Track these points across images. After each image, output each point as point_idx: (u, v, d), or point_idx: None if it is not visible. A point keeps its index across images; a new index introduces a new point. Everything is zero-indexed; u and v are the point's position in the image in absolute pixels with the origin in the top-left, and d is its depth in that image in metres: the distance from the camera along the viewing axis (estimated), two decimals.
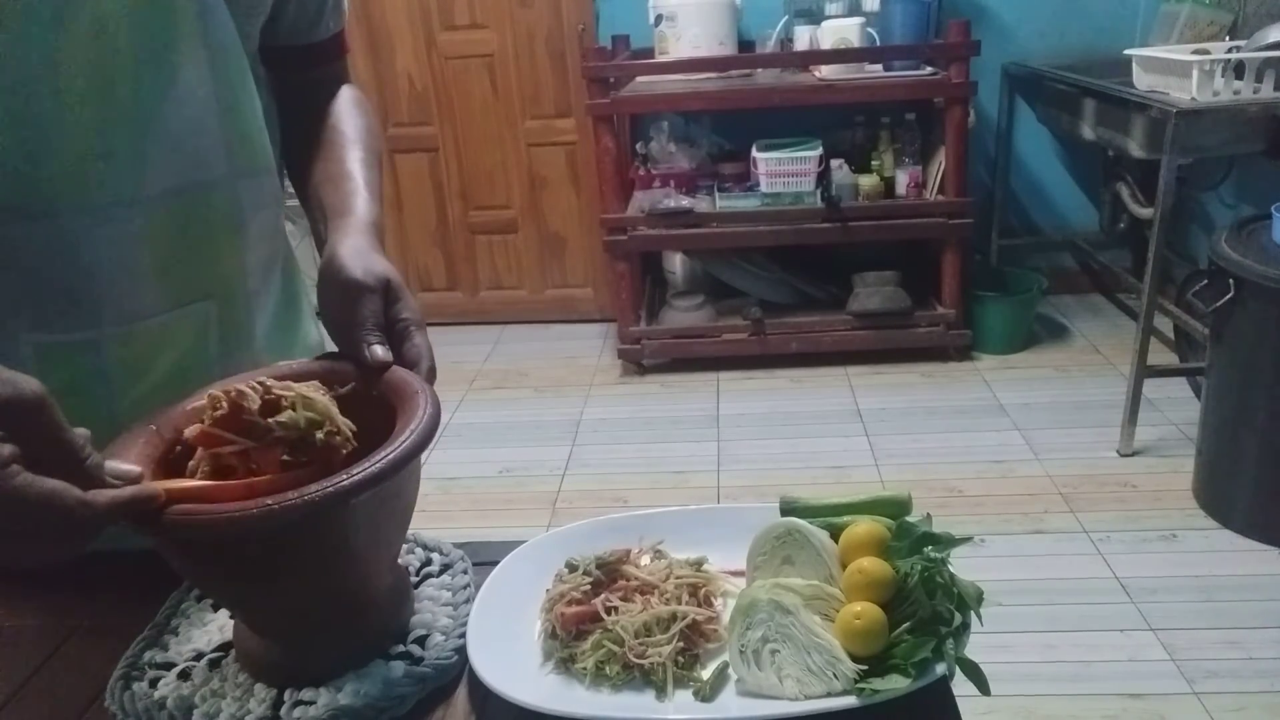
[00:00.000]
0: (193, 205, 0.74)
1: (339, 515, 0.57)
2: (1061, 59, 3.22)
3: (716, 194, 3.18)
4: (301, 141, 0.88)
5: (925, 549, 0.63)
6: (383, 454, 0.57)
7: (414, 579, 0.73)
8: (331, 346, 0.72)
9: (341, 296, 0.68)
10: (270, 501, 0.53)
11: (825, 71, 3.10)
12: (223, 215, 0.77)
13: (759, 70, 3.25)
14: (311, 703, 0.60)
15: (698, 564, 0.72)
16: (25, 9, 0.64)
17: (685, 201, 3.15)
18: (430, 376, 0.67)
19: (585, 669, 0.64)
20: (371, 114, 0.93)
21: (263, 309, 0.86)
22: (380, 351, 0.66)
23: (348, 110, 0.90)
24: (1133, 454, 2.58)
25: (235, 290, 0.81)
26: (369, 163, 0.85)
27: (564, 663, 0.65)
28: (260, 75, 0.83)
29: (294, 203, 0.88)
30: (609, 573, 0.70)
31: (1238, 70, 2.27)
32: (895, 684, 0.58)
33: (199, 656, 0.66)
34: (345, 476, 0.55)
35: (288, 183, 0.90)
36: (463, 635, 0.66)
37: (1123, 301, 3.60)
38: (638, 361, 3.33)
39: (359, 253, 0.70)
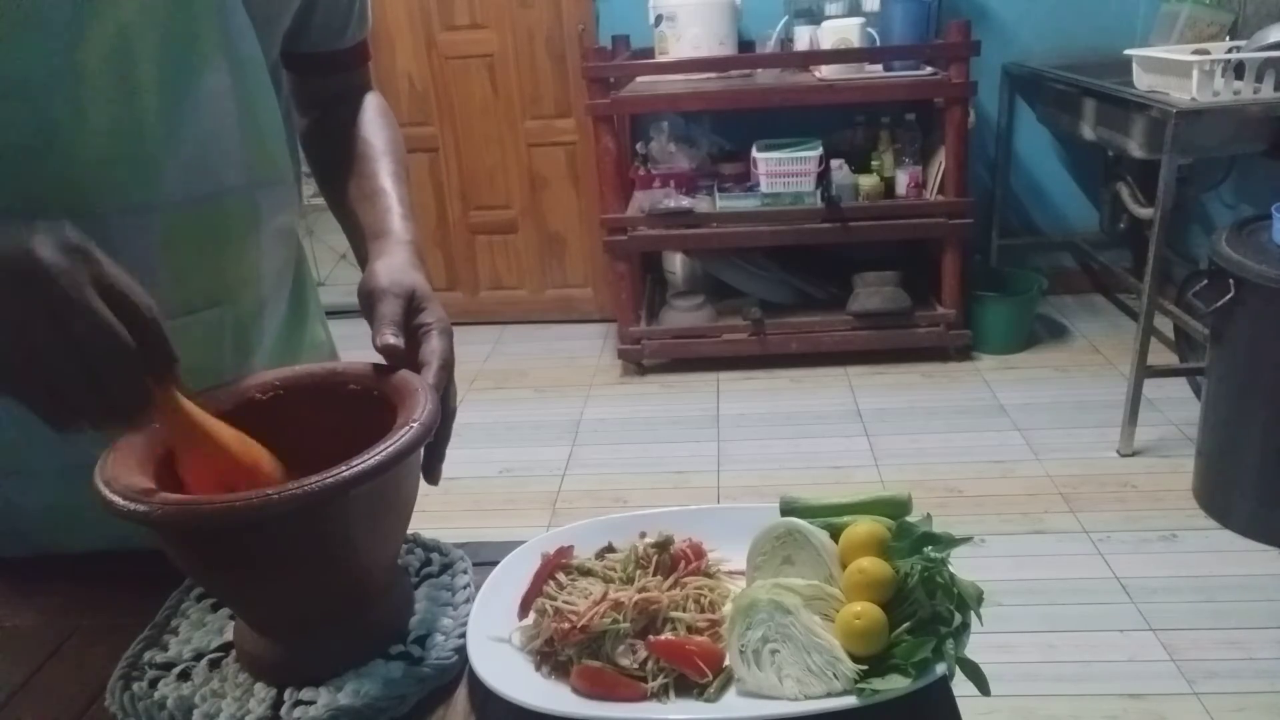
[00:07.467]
0: (210, 212, 0.75)
1: (338, 508, 0.57)
2: (1061, 59, 3.22)
3: (716, 194, 3.18)
4: (331, 153, 0.88)
5: (925, 549, 0.63)
6: (382, 447, 0.57)
7: (414, 579, 0.73)
8: (342, 347, 0.72)
9: (368, 304, 0.70)
10: (270, 492, 0.53)
11: (825, 71, 3.10)
12: (239, 222, 0.77)
13: (759, 70, 3.25)
14: (311, 702, 0.60)
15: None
16: (42, 21, 0.64)
17: (685, 201, 3.15)
18: (439, 377, 0.67)
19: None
20: (396, 124, 0.93)
21: (274, 314, 0.86)
22: (390, 338, 0.66)
23: (375, 122, 0.91)
24: (1133, 454, 2.58)
25: (248, 297, 0.82)
26: (400, 176, 0.86)
27: (562, 665, 0.65)
28: (280, 83, 0.83)
29: (310, 203, 0.88)
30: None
31: (1238, 70, 2.27)
32: (895, 684, 0.58)
33: (199, 656, 0.66)
34: (345, 468, 0.55)
35: (305, 188, 0.90)
36: (463, 635, 0.66)
37: (1123, 301, 3.60)
38: (638, 361, 3.33)
39: (391, 268, 0.73)
